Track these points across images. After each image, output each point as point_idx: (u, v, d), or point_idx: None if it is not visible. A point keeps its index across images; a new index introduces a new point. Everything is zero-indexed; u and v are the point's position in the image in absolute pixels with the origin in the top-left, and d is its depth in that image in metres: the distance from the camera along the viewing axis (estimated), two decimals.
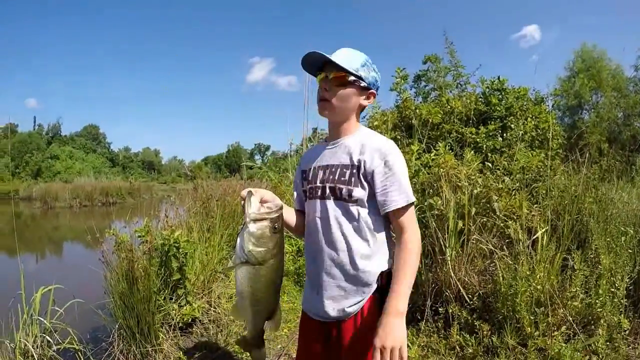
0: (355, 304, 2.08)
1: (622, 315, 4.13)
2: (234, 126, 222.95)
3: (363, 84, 2.04)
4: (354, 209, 2.01)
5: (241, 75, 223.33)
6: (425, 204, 4.95)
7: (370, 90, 2.11)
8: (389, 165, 1.97)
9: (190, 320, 4.89)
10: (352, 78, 2.00)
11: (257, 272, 1.89)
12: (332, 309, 2.10)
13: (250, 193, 1.85)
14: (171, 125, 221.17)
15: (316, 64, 2.07)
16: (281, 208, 1.88)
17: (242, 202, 1.87)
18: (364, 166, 1.99)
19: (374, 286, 2.08)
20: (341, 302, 2.09)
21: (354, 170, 2.01)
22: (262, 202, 1.90)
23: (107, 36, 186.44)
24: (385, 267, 2.08)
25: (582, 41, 24.96)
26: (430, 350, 4.44)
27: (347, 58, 2.00)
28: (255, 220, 1.81)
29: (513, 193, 5.12)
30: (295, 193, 2.41)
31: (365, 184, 1.99)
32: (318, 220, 2.11)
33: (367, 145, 2.04)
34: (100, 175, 46.57)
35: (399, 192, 1.94)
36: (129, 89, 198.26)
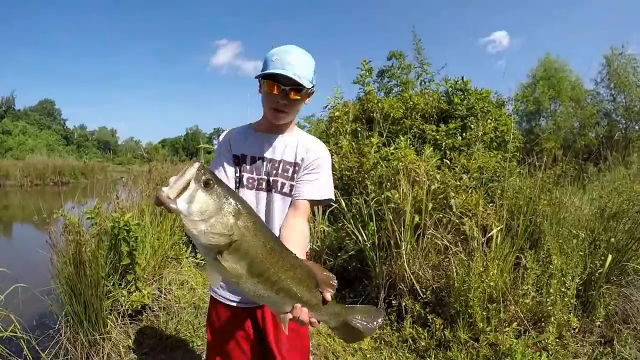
0: None
1: (572, 314, 4.21)
2: (195, 110, 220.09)
3: (312, 89, 2.13)
4: (289, 201, 2.16)
5: (206, 58, 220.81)
6: (383, 196, 4.94)
7: (312, 92, 2.19)
8: (319, 163, 2.19)
9: (140, 307, 4.73)
10: (307, 89, 2.06)
11: (239, 251, 1.48)
12: None
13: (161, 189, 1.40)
14: (129, 105, 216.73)
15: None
16: (197, 166, 1.43)
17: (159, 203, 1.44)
18: (302, 164, 2.17)
19: None
20: None
21: (296, 168, 2.17)
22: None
23: (67, 11, 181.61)
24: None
25: (546, 51, 25.54)
26: (383, 342, 4.44)
27: (306, 68, 2.05)
28: (177, 198, 1.38)
29: (470, 191, 5.15)
30: (220, 175, 2.16)
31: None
32: (260, 211, 2.15)
33: (304, 144, 2.22)
34: (54, 153, 44.74)
35: (317, 187, 2.17)
36: (88, 65, 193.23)
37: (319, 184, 2.17)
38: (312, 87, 2.10)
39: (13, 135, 61.45)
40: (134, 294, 4.67)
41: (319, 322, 1.74)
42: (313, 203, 2.20)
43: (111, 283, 4.51)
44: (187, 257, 6.37)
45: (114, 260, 4.59)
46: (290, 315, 1.65)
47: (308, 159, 2.18)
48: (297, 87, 2.01)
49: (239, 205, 1.49)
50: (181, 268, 6.03)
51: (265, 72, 2.01)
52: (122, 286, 4.65)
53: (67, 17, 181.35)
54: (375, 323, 1.94)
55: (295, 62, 2.01)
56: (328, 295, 1.73)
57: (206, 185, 1.40)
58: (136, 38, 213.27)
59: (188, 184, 1.38)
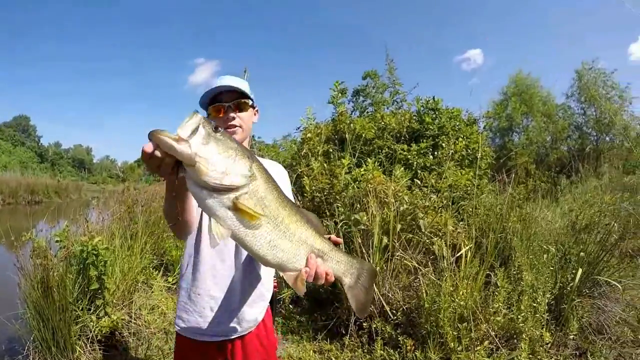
0: (260, 312, 2.17)
1: (544, 329, 4.21)
2: (172, 128, 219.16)
3: (255, 104, 2.25)
4: None
5: (184, 76, 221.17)
6: (352, 219, 4.93)
7: (256, 108, 2.31)
8: (283, 183, 2.17)
9: (109, 332, 4.61)
10: (250, 102, 2.18)
11: (257, 192, 1.43)
12: (238, 322, 2.09)
13: (153, 133, 1.28)
14: (106, 123, 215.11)
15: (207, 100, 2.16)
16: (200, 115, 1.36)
17: (152, 152, 1.29)
18: None
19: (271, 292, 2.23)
20: (247, 313, 2.11)
21: None
22: None
23: (47, 29, 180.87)
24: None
25: (518, 68, 25.97)
26: None
27: (240, 83, 2.16)
28: (190, 136, 1.29)
29: (439, 210, 5.16)
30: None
31: None
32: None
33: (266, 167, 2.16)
34: (27, 170, 43.58)
35: None
36: (65, 82, 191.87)
37: None
38: (253, 102, 2.21)
39: None
40: (103, 319, 4.56)
41: (334, 277, 1.68)
42: None
43: (80, 308, 4.40)
44: (157, 282, 6.26)
45: (83, 284, 4.49)
46: (305, 272, 1.57)
47: None
48: (240, 98, 2.12)
49: (248, 150, 1.48)
50: (152, 292, 5.90)
51: (206, 92, 2.11)
52: (91, 311, 4.54)
53: (44, 33, 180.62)
54: (373, 283, 1.92)
55: (229, 80, 2.13)
56: (338, 239, 1.75)
57: (216, 129, 1.37)
58: (113, 56, 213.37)
59: (196, 129, 1.31)
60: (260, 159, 2.30)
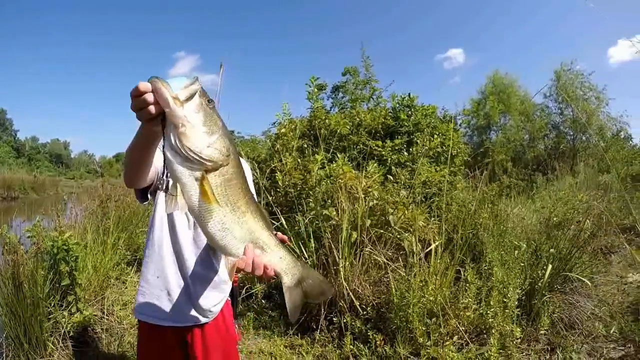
0: (218, 303, 2.16)
1: (515, 324, 4.20)
2: None
3: None
4: None
5: (164, 70, 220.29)
6: (322, 214, 4.90)
7: None
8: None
9: (81, 328, 4.56)
10: None
11: (226, 174, 1.45)
12: (195, 309, 2.09)
13: (155, 79, 1.30)
14: (84, 117, 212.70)
15: None
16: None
17: (143, 93, 1.30)
18: None
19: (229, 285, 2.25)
20: (205, 301, 2.11)
21: None
22: None
23: (23, 22, 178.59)
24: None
25: (495, 68, 26.27)
26: None
27: None
28: (186, 100, 1.32)
29: (410, 206, 5.14)
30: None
31: None
32: (186, 217, 2.13)
33: None
34: (4, 166, 43.03)
35: None
36: (41, 75, 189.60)
37: None
38: None
39: None
40: (75, 315, 4.49)
41: (274, 273, 1.67)
42: None
43: (52, 304, 4.34)
44: (131, 277, 6.19)
45: (54, 280, 4.42)
46: (242, 261, 1.57)
47: None
48: None
49: (230, 133, 1.50)
50: (125, 288, 5.84)
51: None
52: (63, 307, 4.48)
53: (23, 26, 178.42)
54: (325, 294, 1.89)
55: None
56: (284, 236, 1.76)
57: (210, 102, 1.40)
58: (92, 50, 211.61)
59: (192, 95, 1.33)
60: None
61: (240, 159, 2.31)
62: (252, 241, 1.59)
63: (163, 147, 1.39)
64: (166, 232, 2.11)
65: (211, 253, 2.13)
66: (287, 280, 1.72)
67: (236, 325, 2.36)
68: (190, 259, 2.09)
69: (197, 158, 1.35)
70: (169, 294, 2.07)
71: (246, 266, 1.56)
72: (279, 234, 1.76)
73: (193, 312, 2.08)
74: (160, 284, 2.08)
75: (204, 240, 2.09)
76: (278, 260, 1.68)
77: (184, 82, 1.32)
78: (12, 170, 38.94)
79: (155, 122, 1.37)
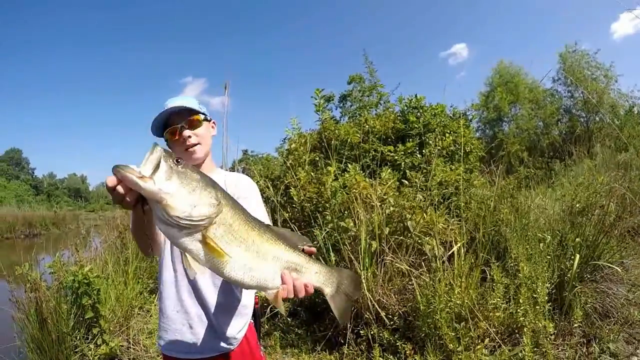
0: (242, 329, 2.11)
1: (547, 319, 4.10)
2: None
3: (209, 117, 2.25)
4: None
5: (173, 96, 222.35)
6: (340, 226, 4.87)
7: (212, 120, 2.32)
8: (248, 193, 2.19)
9: (108, 359, 4.59)
10: (202, 116, 2.17)
11: (226, 221, 1.42)
12: (219, 339, 2.05)
13: (117, 168, 1.26)
14: (98, 150, 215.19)
15: (160, 125, 2.15)
16: (161, 148, 1.34)
17: (114, 187, 1.31)
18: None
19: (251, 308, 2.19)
20: (228, 329, 2.06)
21: None
22: None
23: (29, 56, 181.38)
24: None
25: (499, 57, 26.07)
26: None
27: (188, 100, 2.17)
28: (154, 172, 1.27)
29: (428, 209, 5.07)
30: None
31: None
32: None
33: (232, 180, 2.23)
34: (24, 204, 43.85)
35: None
36: (53, 111, 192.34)
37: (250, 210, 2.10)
38: (206, 115, 2.22)
39: None
40: (102, 347, 4.55)
41: (313, 288, 1.67)
42: None
43: (77, 337, 4.40)
44: (155, 305, 6.20)
45: (78, 314, 4.47)
46: (284, 290, 1.56)
47: (238, 192, 2.12)
48: (191, 116, 2.12)
49: (210, 178, 1.46)
50: (150, 317, 5.84)
51: (155, 119, 2.11)
52: (89, 340, 4.54)
53: (28, 62, 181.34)
54: (360, 286, 1.95)
55: (175, 101, 2.13)
56: (312, 248, 1.72)
57: (177, 162, 1.35)
58: (101, 81, 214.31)
59: (158, 164, 1.29)
60: (227, 173, 2.33)
61: (244, 178, 2.29)
62: (284, 267, 1.58)
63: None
64: (178, 265, 2.08)
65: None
66: (329, 291, 1.75)
67: (261, 347, 2.32)
68: (207, 288, 2.06)
69: (190, 223, 1.32)
70: (191, 326, 2.03)
71: (288, 293, 1.57)
72: (306, 246, 1.72)
73: (217, 342, 2.04)
74: (181, 318, 2.05)
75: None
76: (315, 275, 1.69)
77: (145, 156, 1.29)
78: (32, 207, 39.64)
79: (138, 206, 1.38)
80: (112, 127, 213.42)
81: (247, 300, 2.16)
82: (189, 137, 2.09)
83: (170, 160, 1.33)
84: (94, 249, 6.42)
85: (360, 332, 4.61)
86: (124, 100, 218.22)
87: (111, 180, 1.30)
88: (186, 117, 2.10)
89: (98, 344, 4.55)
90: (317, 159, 6.87)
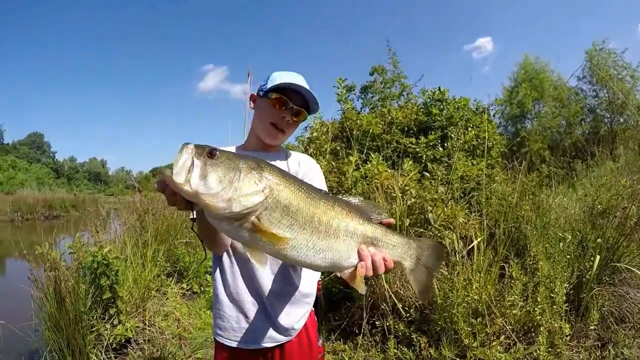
0: (300, 318, 2.05)
1: (563, 320, 4.09)
2: (185, 135, 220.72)
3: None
4: None
5: (194, 83, 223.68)
6: None
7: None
8: (313, 174, 2.13)
9: (123, 340, 4.65)
10: (307, 115, 2.09)
11: (279, 204, 1.33)
12: (275, 329, 1.99)
13: (161, 173, 1.28)
14: (119, 135, 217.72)
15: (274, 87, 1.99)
16: (192, 145, 1.29)
17: (163, 191, 1.34)
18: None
19: (313, 297, 2.11)
20: (286, 319, 1.99)
21: None
22: None
23: (54, 42, 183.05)
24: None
25: (525, 53, 25.67)
26: None
27: (313, 98, 2.02)
28: (187, 175, 1.24)
29: (449, 203, 5.05)
30: None
31: None
32: None
33: (294, 159, 2.17)
34: (44, 186, 44.19)
35: None
36: (76, 95, 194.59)
37: None
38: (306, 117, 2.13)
39: (2, 169, 60.70)
40: (118, 327, 4.61)
41: (393, 263, 1.55)
42: None
43: (94, 317, 4.46)
44: (171, 288, 6.26)
45: (96, 294, 4.53)
46: (363, 267, 1.46)
47: (301, 170, 2.12)
48: (305, 107, 2.04)
49: (255, 159, 1.37)
50: (166, 299, 5.93)
51: (282, 82, 1.96)
52: (105, 320, 4.59)
53: (53, 49, 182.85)
54: (442, 256, 1.79)
55: (304, 83, 2.00)
56: (390, 219, 1.60)
57: (211, 155, 1.29)
58: (124, 68, 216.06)
59: (192, 164, 1.24)
60: (289, 152, 2.22)
61: (308, 160, 2.24)
62: (360, 242, 1.48)
63: None
64: (235, 250, 2.02)
65: (290, 267, 2.02)
66: (408, 264, 1.64)
67: (320, 338, 2.25)
68: (264, 276, 1.98)
69: (235, 215, 1.27)
70: (246, 315, 1.98)
71: (367, 270, 1.47)
72: (384, 217, 1.61)
73: (273, 333, 1.98)
74: (236, 306, 2.00)
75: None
76: (392, 248, 1.57)
77: (175, 159, 1.25)
78: (52, 190, 39.99)
79: (194, 203, 1.33)
80: (133, 113, 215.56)
81: (309, 288, 2.09)
82: (288, 121, 2.02)
83: (204, 156, 1.27)
84: (113, 231, 6.48)
85: (376, 323, 4.61)
86: (145, 87, 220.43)
87: (159, 185, 1.32)
88: (301, 104, 2.02)
89: (114, 324, 4.60)
90: (339, 148, 6.85)
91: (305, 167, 2.15)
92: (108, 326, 4.52)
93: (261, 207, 1.29)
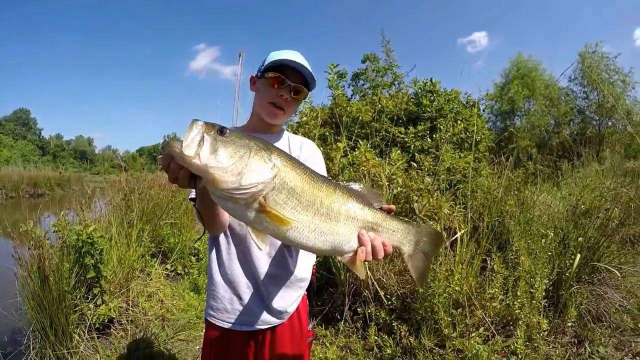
0: (294, 302, 2.05)
1: (542, 315, 4.13)
2: (174, 115, 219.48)
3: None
4: None
5: (185, 63, 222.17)
6: None
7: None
8: (315, 160, 2.10)
9: (106, 320, 4.61)
10: (307, 93, 2.06)
11: (285, 185, 1.32)
12: (268, 312, 2.00)
13: (168, 145, 1.24)
14: (106, 113, 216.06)
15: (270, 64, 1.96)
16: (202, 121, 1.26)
17: (167, 165, 1.30)
18: None
19: (307, 281, 2.13)
20: (279, 302, 2.00)
21: None
22: None
23: (41, 18, 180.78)
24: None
25: (518, 51, 25.84)
26: (348, 351, 4.34)
27: (311, 76, 2.00)
28: (198, 148, 1.20)
29: (434, 193, 5.06)
30: None
31: None
32: None
33: (295, 142, 2.15)
34: (29, 164, 43.87)
35: None
36: (64, 74, 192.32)
37: None
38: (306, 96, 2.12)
39: None
40: (101, 307, 4.55)
41: (392, 247, 1.54)
42: None
43: (77, 296, 4.39)
44: (155, 269, 6.22)
45: (80, 273, 4.46)
46: (362, 252, 1.44)
47: (303, 155, 2.09)
48: (304, 84, 1.99)
49: (263, 140, 1.36)
50: (150, 280, 5.89)
51: (277, 60, 1.93)
52: (89, 299, 4.53)
53: (42, 27, 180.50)
54: (440, 243, 1.79)
55: (303, 61, 1.96)
56: (391, 206, 1.60)
57: (221, 132, 1.27)
58: (113, 46, 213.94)
59: (202, 139, 1.21)
60: (291, 135, 2.20)
61: (309, 144, 2.20)
62: (360, 227, 1.47)
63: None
64: (232, 232, 2.01)
65: (286, 251, 2.02)
66: (407, 250, 1.62)
67: (311, 322, 2.26)
68: (260, 258, 1.98)
69: (242, 193, 1.25)
70: (240, 297, 1.98)
71: (367, 255, 1.45)
72: (383, 205, 1.60)
73: (266, 315, 1.99)
74: (230, 288, 1.99)
75: (272, 238, 1.88)
76: (392, 233, 1.56)
77: (185, 133, 1.22)
78: (37, 167, 39.59)
79: (197, 181, 1.31)
80: (121, 91, 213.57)
81: (304, 272, 2.10)
82: (286, 99, 1.97)
83: (214, 132, 1.25)
84: (98, 210, 6.40)
85: (358, 309, 4.62)
86: (134, 65, 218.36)
87: (162, 159, 1.28)
88: (299, 81, 1.97)
89: (97, 304, 4.54)
90: (327, 134, 6.83)
91: (307, 151, 2.12)
92: (91, 306, 4.46)
93: (269, 187, 1.29)
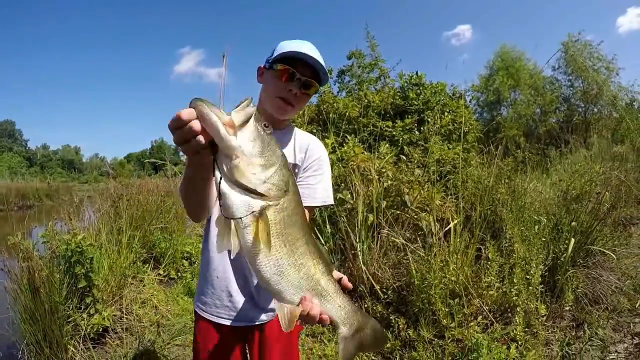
0: None
1: (539, 301, 4.14)
2: (161, 121, 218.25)
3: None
4: None
5: (169, 67, 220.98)
6: (337, 198, 4.82)
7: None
8: (320, 165, 2.02)
9: (101, 329, 4.55)
10: (317, 87, 1.95)
11: (285, 210, 1.25)
12: (258, 309, 2.00)
13: (199, 102, 1.09)
14: (93, 121, 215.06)
15: (281, 56, 1.84)
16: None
17: (187, 122, 1.09)
18: (301, 165, 2.01)
19: None
20: (269, 299, 1.99)
21: (295, 170, 1.99)
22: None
23: (24, 28, 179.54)
24: None
25: (502, 42, 25.93)
26: None
27: (324, 70, 1.88)
28: (240, 126, 1.11)
29: (425, 185, 5.04)
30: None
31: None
32: None
33: (302, 143, 2.05)
34: (17, 176, 43.60)
35: (319, 191, 1.98)
36: (47, 83, 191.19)
37: (322, 188, 2.00)
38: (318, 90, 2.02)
39: None
40: (94, 316, 4.50)
41: (330, 321, 1.46)
42: (312, 209, 2.10)
43: (70, 307, 4.34)
44: (148, 275, 6.17)
45: (71, 283, 4.41)
46: (299, 310, 1.38)
47: (308, 159, 2.02)
48: (314, 79, 1.88)
49: (287, 161, 1.28)
50: (143, 286, 5.83)
51: (287, 51, 1.82)
52: (82, 309, 4.47)
53: (23, 34, 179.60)
54: (380, 346, 1.78)
55: (316, 54, 1.84)
56: (349, 283, 1.55)
57: (266, 127, 1.20)
58: (97, 51, 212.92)
59: (247, 120, 1.12)
60: (298, 131, 2.13)
61: (320, 146, 2.13)
62: (310, 288, 1.41)
63: (217, 179, 1.18)
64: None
65: None
66: (345, 331, 1.53)
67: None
68: None
69: (256, 195, 1.18)
70: (230, 294, 1.96)
71: (301, 316, 1.39)
72: (344, 278, 1.57)
73: (255, 313, 1.98)
74: (221, 284, 1.97)
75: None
76: (337, 308, 1.48)
77: (239, 104, 1.13)
78: (25, 179, 39.26)
79: (205, 153, 1.17)
80: (106, 98, 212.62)
81: None
82: (296, 94, 1.86)
83: (260, 123, 1.17)
84: (87, 218, 6.33)
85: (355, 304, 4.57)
86: (118, 71, 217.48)
87: (188, 113, 1.08)
88: (310, 75, 1.87)
89: (91, 313, 4.49)
90: (315, 131, 6.80)
91: (315, 155, 2.04)
92: (85, 316, 4.40)
93: (276, 203, 1.23)
